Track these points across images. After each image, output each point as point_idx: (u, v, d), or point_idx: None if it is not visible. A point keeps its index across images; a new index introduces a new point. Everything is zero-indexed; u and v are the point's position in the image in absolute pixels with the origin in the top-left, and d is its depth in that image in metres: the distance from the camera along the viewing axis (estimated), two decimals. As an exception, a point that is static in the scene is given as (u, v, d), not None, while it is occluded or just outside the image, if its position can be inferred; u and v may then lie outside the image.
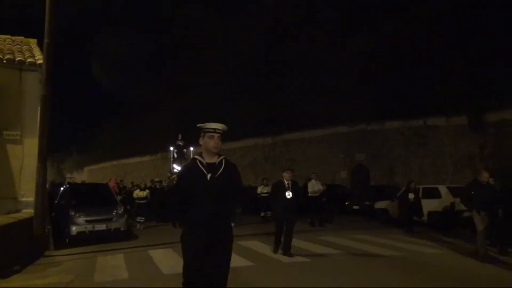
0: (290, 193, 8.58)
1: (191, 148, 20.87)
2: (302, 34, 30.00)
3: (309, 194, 13.59)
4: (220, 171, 3.59)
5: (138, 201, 14.03)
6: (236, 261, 8.15)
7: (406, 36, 22.65)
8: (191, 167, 3.67)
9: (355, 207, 17.55)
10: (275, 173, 27.34)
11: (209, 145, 3.63)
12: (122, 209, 11.56)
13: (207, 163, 3.62)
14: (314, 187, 13.70)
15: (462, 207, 12.85)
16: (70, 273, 7.54)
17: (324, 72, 26.67)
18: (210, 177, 3.54)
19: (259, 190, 15.56)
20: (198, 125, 3.64)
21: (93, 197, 12.08)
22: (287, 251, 8.53)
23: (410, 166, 21.20)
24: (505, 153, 18.20)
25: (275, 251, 8.86)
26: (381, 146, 22.34)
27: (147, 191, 14.24)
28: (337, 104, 24.32)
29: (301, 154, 26.28)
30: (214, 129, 3.63)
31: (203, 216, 3.52)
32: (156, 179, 17.81)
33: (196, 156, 3.72)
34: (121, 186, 17.66)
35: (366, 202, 16.92)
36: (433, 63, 20.96)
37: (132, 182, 17.79)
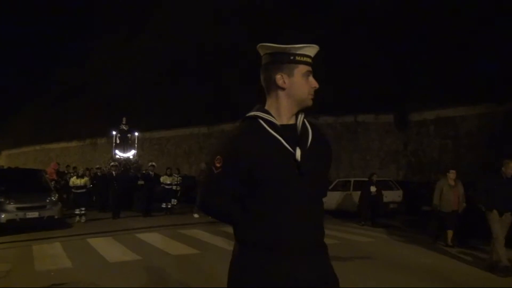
0: None
1: (136, 133, 19.50)
2: (240, 24, 30.12)
3: None
4: (310, 141, 1.82)
5: (75, 190, 12.58)
6: (180, 248, 8.28)
7: (339, 36, 23.64)
8: (253, 135, 1.78)
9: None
10: (210, 163, 27.40)
11: (303, 89, 1.85)
12: (56, 196, 11.07)
13: (283, 127, 1.81)
14: None
15: (391, 199, 13.97)
16: (5, 262, 7.18)
17: (258, 65, 27.06)
18: (301, 155, 1.75)
19: None
20: (270, 46, 1.86)
21: (25, 183, 11.41)
22: None
23: (341, 160, 22.26)
24: (425, 151, 19.82)
25: None
26: (314, 140, 23.21)
27: (85, 178, 12.93)
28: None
29: (236, 145, 26.54)
30: (311, 57, 1.86)
31: (291, 236, 1.74)
32: (97, 166, 16.90)
33: (257, 113, 1.84)
34: (61, 171, 16.55)
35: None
36: (364, 63, 22.08)
37: (68, 166, 16.43)
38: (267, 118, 1.81)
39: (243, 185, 1.77)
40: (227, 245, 8.61)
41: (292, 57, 1.82)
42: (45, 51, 42.76)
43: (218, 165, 1.77)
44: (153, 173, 14.84)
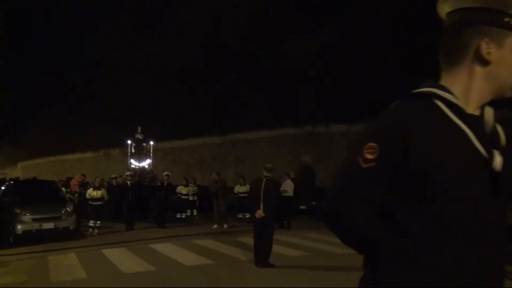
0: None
1: (151, 142, 18.92)
2: (248, 33, 30.32)
3: (282, 194, 13.31)
4: (504, 146, 1.28)
5: (92, 202, 12.15)
6: (194, 259, 8.27)
7: (350, 41, 23.63)
8: (428, 119, 1.19)
9: (302, 207, 18.05)
10: (222, 173, 27.48)
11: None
12: (71, 207, 11.15)
13: (470, 117, 1.22)
14: (287, 186, 13.36)
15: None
16: (22, 273, 7.27)
17: (270, 73, 27.18)
18: (502, 163, 1.18)
19: (236, 189, 15.00)
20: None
21: (40, 195, 11.57)
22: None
23: (353, 168, 22.12)
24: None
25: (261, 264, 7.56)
26: (326, 148, 23.15)
27: (102, 190, 12.49)
28: (284, 106, 24.93)
29: (249, 154, 26.62)
30: None
31: (471, 267, 1.15)
32: (113, 175, 16.70)
33: (434, 90, 1.24)
34: (86, 182, 15.50)
35: (313, 202, 17.50)
36: (376, 68, 22.00)
37: (83, 175, 15.46)
38: (449, 99, 1.22)
39: (400, 193, 1.19)
40: (241, 255, 8.61)
41: (509, 19, 1.21)
42: (57, 63, 43.40)
43: (369, 156, 1.19)
44: (167, 182, 14.64)
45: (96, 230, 11.96)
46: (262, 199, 7.47)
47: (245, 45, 29.57)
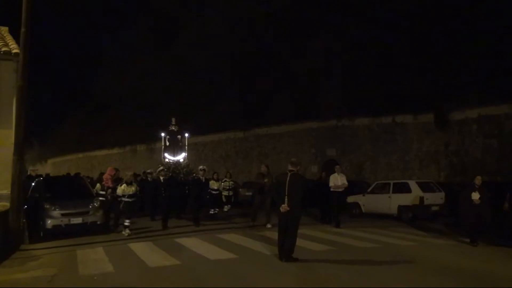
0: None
1: (187, 135, 17.27)
2: (272, 30, 30.19)
3: (332, 189, 12.48)
4: None
5: (125, 199, 11.08)
6: (219, 253, 8.31)
7: (374, 35, 23.24)
8: None
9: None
10: (246, 167, 27.56)
11: None
12: (98, 203, 11.32)
13: None
14: (337, 181, 12.59)
15: (431, 201, 13.53)
16: (51, 266, 7.46)
17: (295, 68, 26.99)
18: None
19: None
20: None
21: (69, 190, 11.83)
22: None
23: (378, 161, 21.84)
24: (467, 151, 19.10)
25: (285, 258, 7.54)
26: (351, 142, 22.89)
27: (134, 185, 11.54)
28: (308, 100, 24.75)
29: (273, 148, 26.58)
30: None
31: None
32: (148, 170, 16.17)
33: None
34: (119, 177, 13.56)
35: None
36: (401, 61, 21.58)
37: (116, 169, 13.58)
38: None
39: None
40: (265, 250, 8.60)
41: None
42: (84, 62, 44.25)
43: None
44: (203, 178, 13.55)
45: (128, 231, 10.89)
46: (287, 194, 7.44)
47: (270, 45, 29.47)
